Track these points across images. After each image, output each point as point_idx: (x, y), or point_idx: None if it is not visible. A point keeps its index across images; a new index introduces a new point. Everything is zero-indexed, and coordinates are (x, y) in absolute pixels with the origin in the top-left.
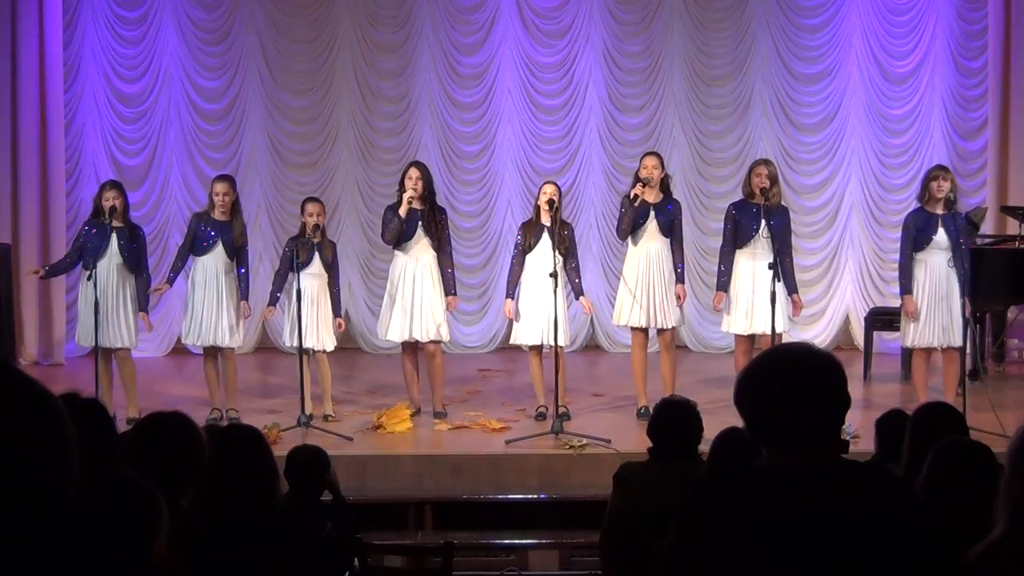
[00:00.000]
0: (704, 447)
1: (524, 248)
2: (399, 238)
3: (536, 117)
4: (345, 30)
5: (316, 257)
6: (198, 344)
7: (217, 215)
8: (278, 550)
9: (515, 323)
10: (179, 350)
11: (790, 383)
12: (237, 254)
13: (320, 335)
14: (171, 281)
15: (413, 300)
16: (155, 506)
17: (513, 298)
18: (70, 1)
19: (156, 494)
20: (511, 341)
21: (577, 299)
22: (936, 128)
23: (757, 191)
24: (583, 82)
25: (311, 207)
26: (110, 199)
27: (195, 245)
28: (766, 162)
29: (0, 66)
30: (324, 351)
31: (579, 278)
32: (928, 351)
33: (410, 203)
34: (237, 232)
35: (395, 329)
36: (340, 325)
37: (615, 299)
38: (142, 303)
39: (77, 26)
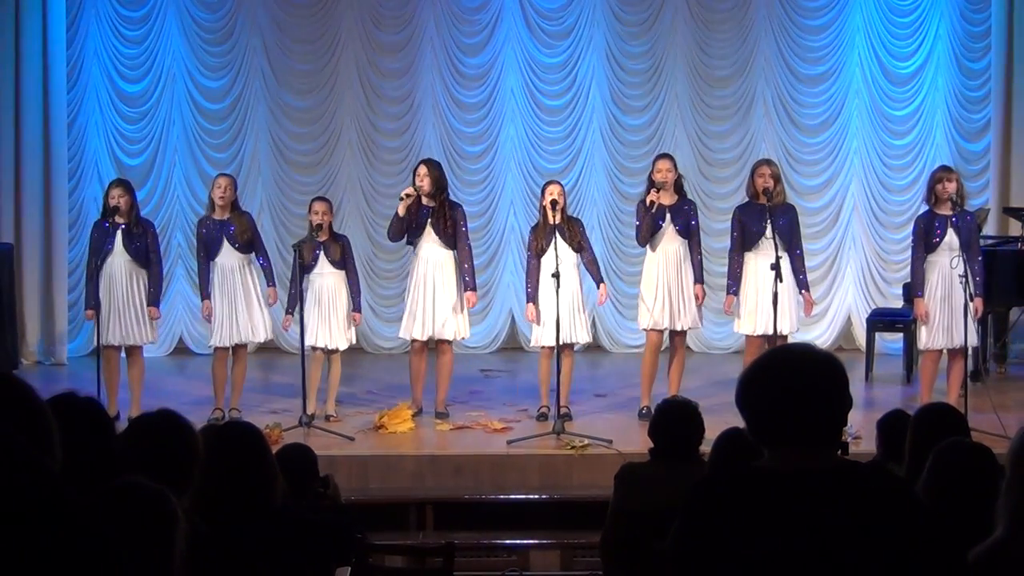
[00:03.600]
0: (705, 447)
1: (537, 251)
2: (408, 236)
3: (539, 118)
4: (348, 30)
5: (323, 256)
6: (229, 344)
7: (218, 214)
8: (279, 549)
9: (535, 326)
10: (181, 349)
11: (791, 384)
12: (250, 248)
13: (334, 334)
14: (208, 295)
15: (427, 299)
16: (169, 510)
17: (535, 303)
18: (73, 0)
19: (169, 497)
20: (532, 344)
21: (597, 287)
22: (939, 129)
23: (761, 192)
24: (586, 83)
25: (316, 206)
26: (115, 197)
27: (207, 249)
28: (768, 162)
29: (3, 65)
30: (339, 350)
31: (598, 267)
32: (939, 353)
33: (405, 199)
34: (239, 228)
35: (417, 328)
36: (357, 319)
37: (619, 301)
38: (152, 297)
39: (80, 26)
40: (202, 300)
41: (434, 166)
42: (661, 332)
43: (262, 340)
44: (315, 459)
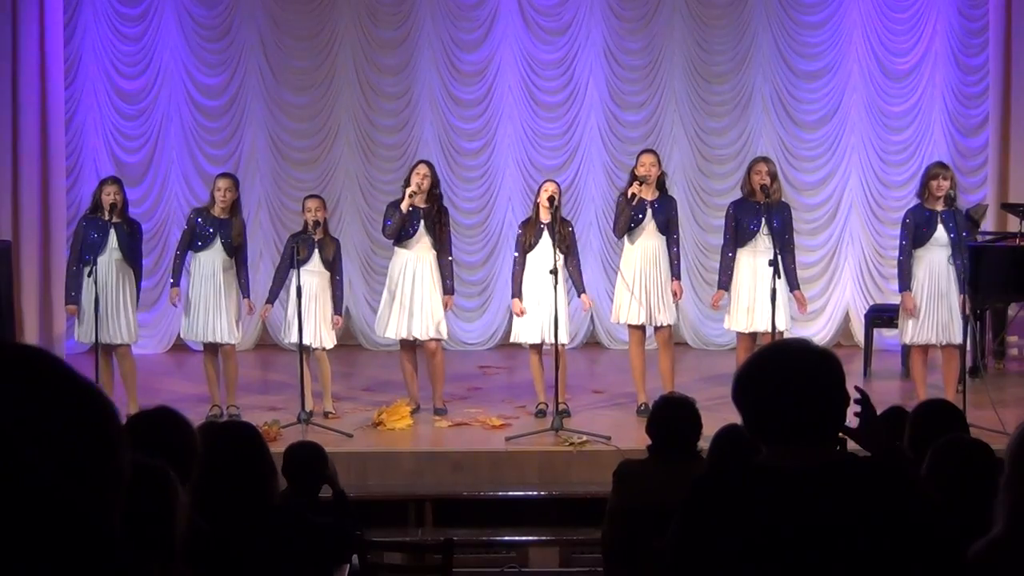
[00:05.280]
0: (704, 444)
1: (525, 247)
2: (400, 234)
3: (537, 114)
4: (346, 27)
5: (316, 254)
6: (197, 341)
7: (217, 211)
8: (278, 547)
9: (516, 321)
10: (179, 347)
11: (788, 380)
12: (236, 253)
13: (320, 332)
14: (178, 282)
15: (412, 298)
16: (169, 483)
17: (520, 297)
18: None
19: (168, 471)
20: (511, 339)
21: (579, 296)
22: (936, 125)
23: (757, 189)
24: (584, 79)
25: (311, 203)
26: (111, 194)
27: (193, 240)
28: (765, 159)
29: (0, 63)
30: (324, 348)
31: (580, 275)
32: (926, 348)
33: (411, 197)
34: (235, 231)
35: (393, 326)
36: (338, 322)
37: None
38: (136, 298)
39: (78, 23)
40: (172, 287)
41: (433, 168)
42: (642, 327)
43: (228, 343)
44: (326, 458)
